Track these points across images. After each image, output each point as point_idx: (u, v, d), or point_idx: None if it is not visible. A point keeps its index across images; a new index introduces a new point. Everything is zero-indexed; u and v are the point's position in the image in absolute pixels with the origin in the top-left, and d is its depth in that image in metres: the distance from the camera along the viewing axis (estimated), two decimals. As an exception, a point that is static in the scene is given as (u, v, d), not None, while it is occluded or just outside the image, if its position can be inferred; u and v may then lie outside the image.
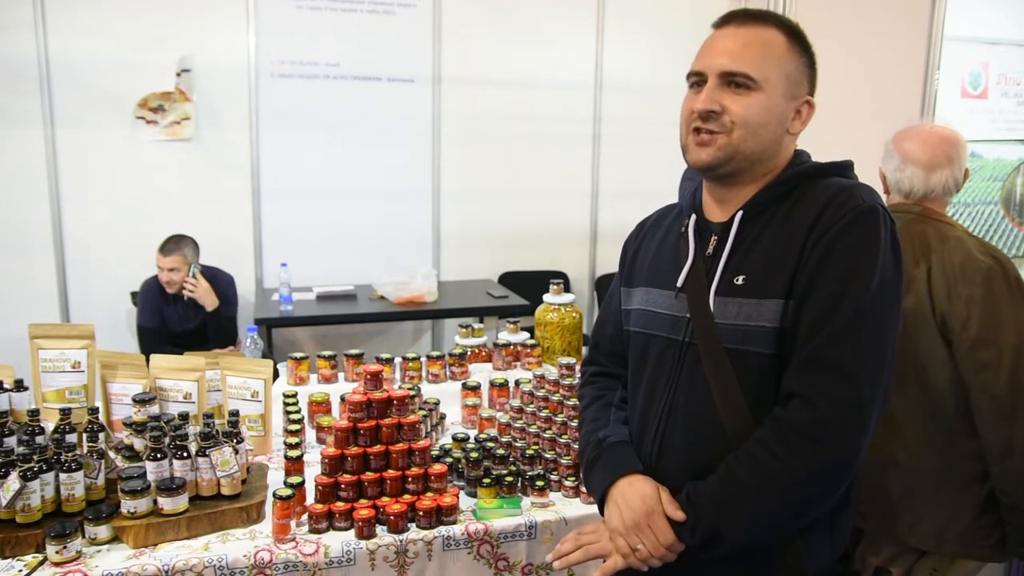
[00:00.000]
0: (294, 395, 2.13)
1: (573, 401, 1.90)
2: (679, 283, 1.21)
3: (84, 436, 1.62)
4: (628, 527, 1.16)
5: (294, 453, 1.77)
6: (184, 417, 1.69)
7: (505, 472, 1.78)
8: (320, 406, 2.10)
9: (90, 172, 3.97)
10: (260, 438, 1.96)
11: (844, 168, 1.19)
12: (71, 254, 4.01)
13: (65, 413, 1.67)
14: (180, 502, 1.54)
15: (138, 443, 1.64)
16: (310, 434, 2.08)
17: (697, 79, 1.18)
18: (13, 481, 1.46)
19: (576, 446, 1.82)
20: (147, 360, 1.87)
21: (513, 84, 4.54)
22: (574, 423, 1.86)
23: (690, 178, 1.31)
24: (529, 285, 4.27)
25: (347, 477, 1.64)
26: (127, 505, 1.50)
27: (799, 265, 1.09)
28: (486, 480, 1.74)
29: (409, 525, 1.62)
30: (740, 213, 1.17)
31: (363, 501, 1.63)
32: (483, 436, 1.97)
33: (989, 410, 1.61)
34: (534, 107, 4.59)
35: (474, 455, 1.80)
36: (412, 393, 1.81)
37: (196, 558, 1.47)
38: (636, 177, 4.74)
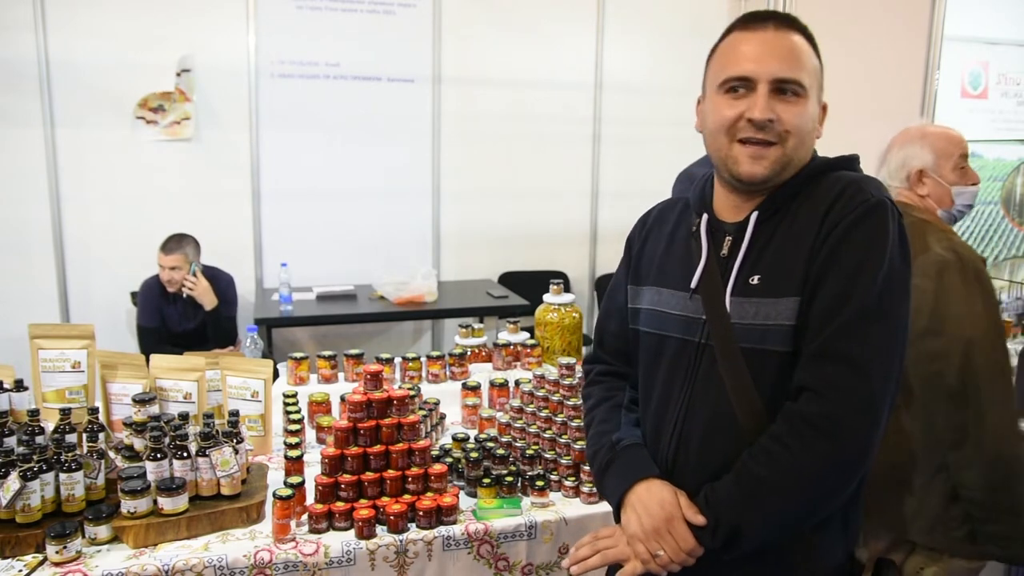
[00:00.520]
0: (294, 395, 2.13)
1: (573, 401, 1.90)
2: (693, 284, 1.20)
3: (84, 436, 1.62)
4: (648, 533, 1.15)
5: (294, 453, 1.77)
6: (184, 417, 1.69)
7: (505, 472, 1.78)
8: (320, 406, 2.10)
9: (90, 172, 3.97)
10: (260, 438, 1.96)
11: (851, 161, 1.19)
12: (71, 254, 4.01)
13: (65, 413, 1.67)
14: (180, 502, 1.54)
15: (138, 443, 1.64)
16: (310, 434, 2.08)
17: (739, 84, 1.12)
18: (13, 481, 1.46)
19: (576, 446, 1.82)
20: (147, 360, 1.87)
21: (513, 84, 4.54)
22: (574, 423, 1.86)
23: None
24: (529, 285, 4.27)
25: (347, 477, 1.64)
26: (127, 505, 1.50)
27: (810, 260, 1.09)
28: (486, 480, 1.74)
29: (409, 525, 1.62)
30: (756, 214, 1.16)
31: (363, 501, 1.63)
32: (483, 436, 1.97)
33: (940, 399, 1.60)
34: (534, 107, 4.59)
35: (474, 455, 1.80)
36: (412, 393, 1.81)
37: (196, 558, 1.47)
38: (636, 177, 4.74)
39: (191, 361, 1.89)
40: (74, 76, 3.88)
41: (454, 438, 1.91)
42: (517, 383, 2.20)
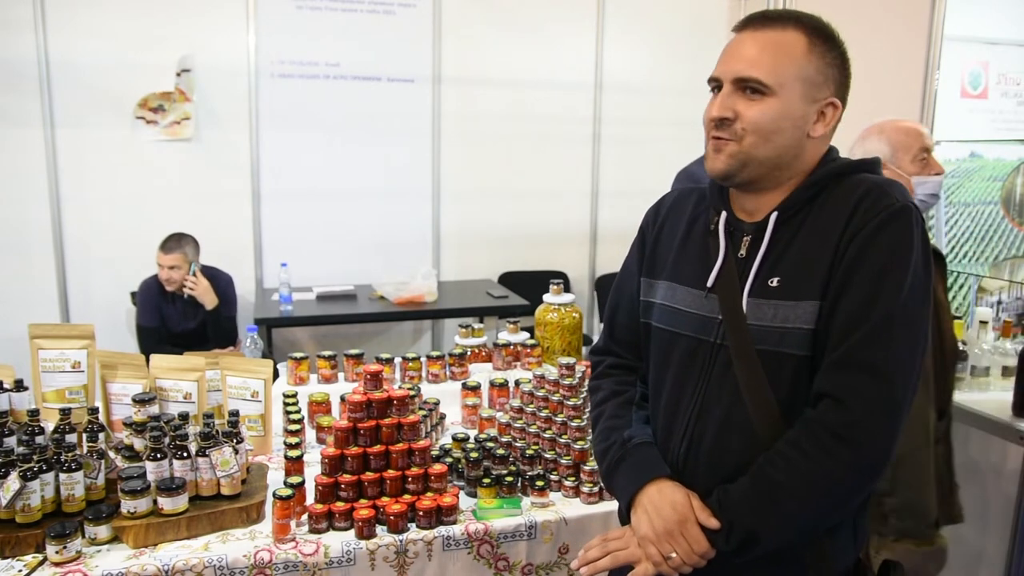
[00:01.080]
0: (294, 395, 2.13)
1: (573, 401, 1.90)
2: (709, 283, 1.18)
3: (84, 436, 1.62)
4: (660, 535, 1.14)
5: (294, 453, 1.77)
6: (184, 417, 1.69)
7: (505, 472, 1.78)
8: (320, 406, 2.10)
9: (90, 172, 3.97)
10: (260, 438, 1.96)
11: (872, 165, 1.18)
12: (71, 254, 4.01)
13: (65, 413, 1.67)
14: (180, 502, 1.54)
15: (138, 443, 1.64)
16: (310, 434, 2.08)
17: (715, 85, 1.16)
18: (13, 481, 1.46)
19: (576, 446, 1.82)
20: (147, 360, 1.87)
21: (513, 84, 4.54)
22: (574, 423, 1.86)
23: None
24: (529, 285, 4.27)
25: (347, 477, 1.64)
26: (127, 505, 1.50)
27: (833, 265, 1.08)
28: (486, 480, 1.74)
29: (409, 525, 1.62)
30: (775, 214, 1.15)
31: (363, 501, 1.63)
32: (483, 436, 1.97)
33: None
34: (534, 107, 4.59)
35: (474, 455, 1.80)
36: (412, 393, 1.81)
37: (196, 558, 1.47)
38: (636, 177, 4.74)
39: (191, 361, 1.89)
40: (74, 76, 3.88)
41: (454, 438, 1.90)
42: (517, 383, 2.20)
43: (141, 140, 4.01)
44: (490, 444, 1.88)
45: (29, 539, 1.47)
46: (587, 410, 1.94)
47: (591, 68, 4.69)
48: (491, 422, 2.06)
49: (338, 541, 1.56)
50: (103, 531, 1.50)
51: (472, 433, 2.03)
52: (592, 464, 1.79)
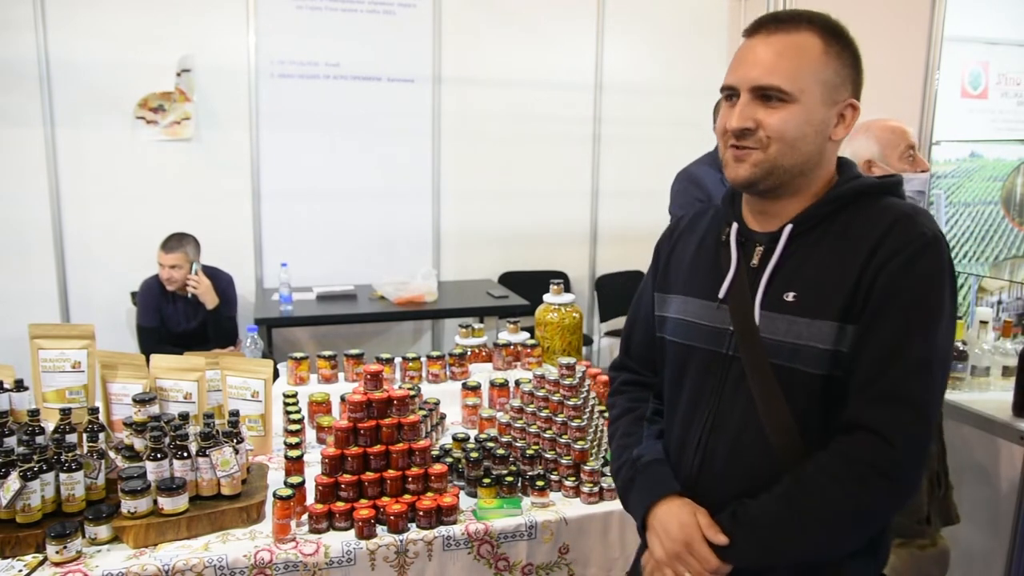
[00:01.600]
0: (294, 395, 2.13)
1: (573, 401, 1.90)
2: (721, 294, 1.17)
3: (84, 436, 1.62)
4: (670, 556, 1.14)
5: (294, 453, 1.77)
6: (184, 417, 1.69)
7: (505, 472, 1.78)
8: (320, 406, 2.10)
9: (90, 172, 3.97)
10: (260, 438, 1.96)
11: (896, 186, 1.16)
12: (71, 254, 4.01)
13: (65, 413, 1.67)
14: (180, 502, 1.54)
15: (138, 443, 1.64)
16: (310, 434, 2.08)
17: (730, 93, 1.13)
18: (13, 481, 1.46)
19: (576, 446, 1.82)
20: (147, 360, 1.87)
21: (513, 84, 4.54)
22: (575, 423, 1.86)
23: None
24: (529, 285, 4.27)
25: (347, 477, 1.64)
26: (127, 505, 1.50)
27: (857, 289, 1.05)
28: (486, 480, 1.74)
29: (409, 525, 1.62)
30: (790, 227, 1.12)
31: (363, 501, 1.63)
32: (483, 436, 1.97)
33: None
34: (534, 107, 4.59)
35: (474, 455, 1.80)
36: (412, 393, 1.81)
37: (196, 558, 1.47)
38: (636, 177, 4.74)
39: (191, 361, 1.89)
40: (74, 76, 3.88)
41: (454, 438, 1.90)
42: (517, 383, 2.20)
43: (141, 140, 4.01)
44: (490, 444, 1.88)
45: (29, 539, 1.47)
46: (587, 410, 1.95)
47: (591, 68, 4.69)
48: (491, 422, 2.06)
49: (338, 541, 1.56)
50: (103, 531, 1.50)
51: (472, 433, 2.03)
52: (592, 464, 1.79)
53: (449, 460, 1.82)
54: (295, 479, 1.65)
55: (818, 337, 1.07)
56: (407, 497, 1.65)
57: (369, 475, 1.65)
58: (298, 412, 2.04)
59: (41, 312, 3.90)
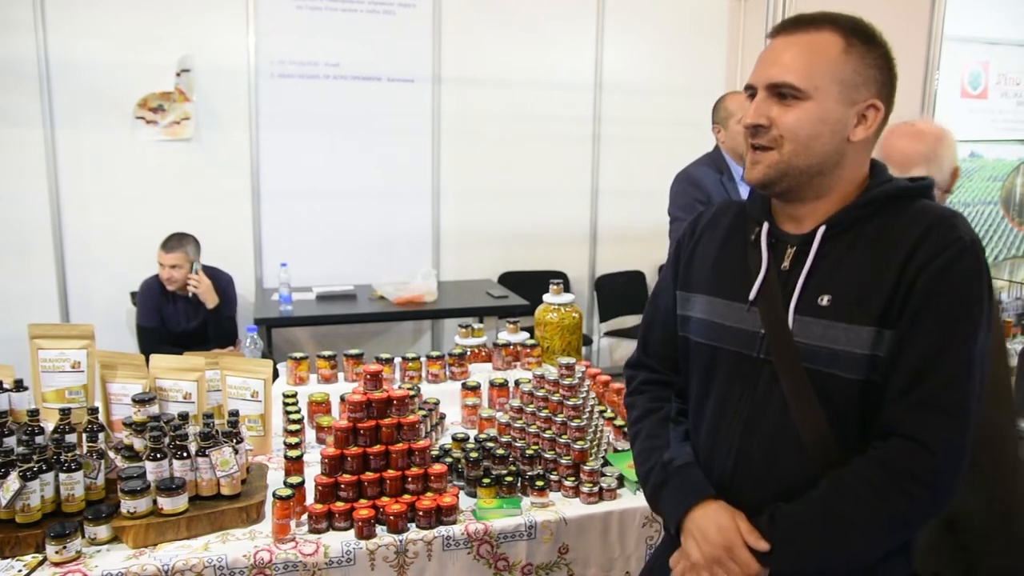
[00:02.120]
0: (294, 395, 2.13)
1: (573, 401, 1.90)
2: (751, 296, 1.16)
3: (84, 436, 1.62)
4: (708, 560, 1.13)
5: (294, 453, 1.77)
6: (184, 417, 1.69)
7: (505, 472, 1.78)
8: (320, 406, 2.10)
9: (90, 172, 3.97)
10: (260, 438, 1.96)
11: (928, 189, 1.15)
12: (71, 254, 4.01)
13: (65, 413, 1.67)
14: (180, 502, 1.54)
15: (138, 443, 1.64)
16: (310, 434, 2.08)
17: (751, 91, 1.14)
18: (13, 481, 1.46)
19: (576, 446, 1.82)
20: (147, 360, 1.87)
21: (513, 84, 4.54)
22: (574, 423, 1.86)
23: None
24: (529, 285, 4.27)
25: (347, 477, 1.64)
26: (127, 505, 1.50)
27: (895, 293, 1.04)
28: (486, 480, 1.74)
29: (409, 525, 1.62)
30: (823, 228, 1.11)
31: (363, 501, 1.63)
32: (483, 436, 1.97)
33: None
34: (534, 107, 4.59)
35: (474, 455, 1.80)
36: (412, 393, 1.81)
37: (196, 558, 1.47)
38: (636, 177, 4.74)
39: (191, 361, 1.89)
40: (74, 76, 3.88)
41: (454, 438, 1.90)
42: (517, 383, 2.20)
43: (141, 140, 4.01)
44: (490, 444, 1.87)
45: (29, 539, 1.47)
46: (586, 410, 1.95)
47: (591, 68, 4.69)
48: (491, 422, 2.06)
49: (338, 541, 1.56)
50: (103, 531, 1.50)
51: (472, 433, 2.03)
52: (591, 464, 1.79)
53: (449, 460, 1.82)
54: (295, 479, 1.65)
55: (856, 342, 1.06)
56: (407, 497, 1.65)
57: (369, 475, 1.65)
58: (298, 412, 2.04)
59: (41, 312, 3.90)
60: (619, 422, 2.05)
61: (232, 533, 1.57)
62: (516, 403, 2.02)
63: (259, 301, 4.04)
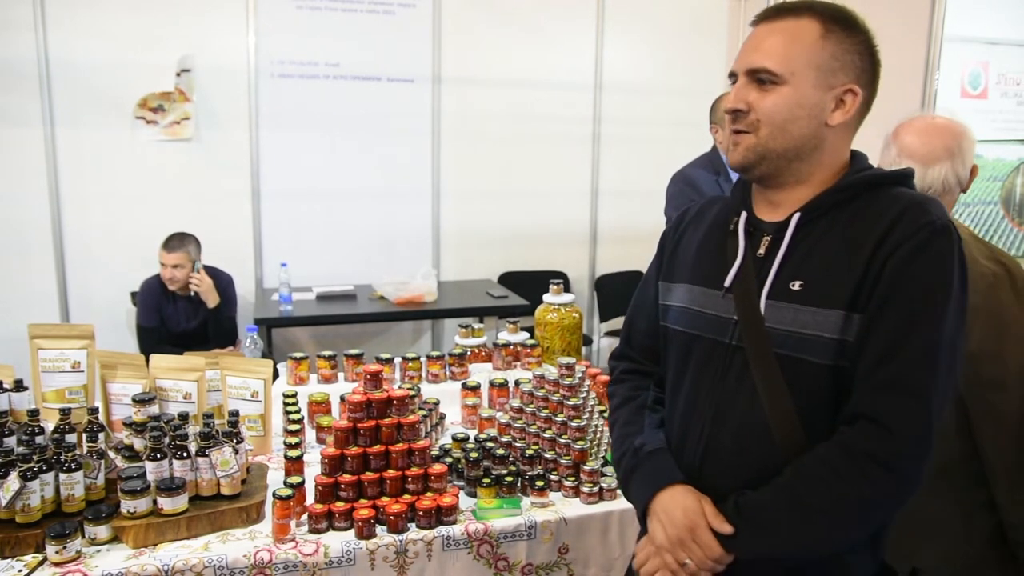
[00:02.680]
0: (294, 395, 2.13)
1: (573, 401, 1.90)
2: (727, 283, 1.17)
3: (84, 436, 1.62)
4: (673, 542, 1.14)
5: (294, 453, 1.77)
6: (184, 417, 1.69)
7: (505, 472, 1.78)
8: (320, 406, 2.10)
9: (90, 172, 3.97)
10: (260, 438, 1.96)
11: (907, 177, 1.15)
12: (71, 254, 4.01)
13: (65, 413, 1.67)
14: (180, 502, 1.54)
15: (138, 443, 1.64)
16: (310, 434, 2.08)
17: (733, 78, 1.16)
18: (13, 481, 1.46)
19: (576, 446, 1.82)
20: (147, 360, 1.87)
21: (513, 84, 4.54)
22: (574, 423, 1.86)
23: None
24: (529, 285, 4.27)
25: (347, 477, 1.64)
26: (127, 505, 1.50)
27: (865, 277, 1.05)
28: (486, 480, 1.74)
29: (409, 525, 1.62)
30: (797, 215, 1.12)
31: (363, 501, 1.63)
32: (483, 436, 1.97)
33: (994, 433, 1.44)
34: (534, 107, 4.59)
35: (474, 455, 1.80)
36: (412, 393, 1.81)
37: (196, 558, 1.47)
38: (636, 177, 4.74)
39: (191, 361, 1.89)
40: (74, 76, 3.88)
41: (454, 438, 1.90)
42: (517, 383, 2.20)
43: (141, 140, 4.01)
44: (490, 444, 1.88)
45: (29, 539, 1.47)
46: (586, 410, 1.95)
47: (591, 68, 4.69)
48: (491, 422, 2.06)
49: (338, 541, 1.56)
50: (103, 531, 1.50)
51: (472, 433, 2.03)
52: (591, 464, 1.79)
53: (449, 460, 1.82)
54: (295, 479, 1.65)
55: (824, 326, 1.07)
56: (407, 497, 1.65)
57: (369, 475, 1.65)
58: (298, 412, 2.04)
59: (41, 312, 3.90)
60: (619, 422, 2.05)
61: (232, 533, 1.57)
62: (516, 403, 2.02)
63: (259, 301, 4.04)
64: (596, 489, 1.76)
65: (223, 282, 3.77)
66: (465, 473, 1.80)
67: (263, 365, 1.95)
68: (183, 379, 1.85)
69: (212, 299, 3.64)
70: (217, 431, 1.66)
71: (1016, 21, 4.92)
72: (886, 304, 1.04)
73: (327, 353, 2.29)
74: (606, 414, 2.11)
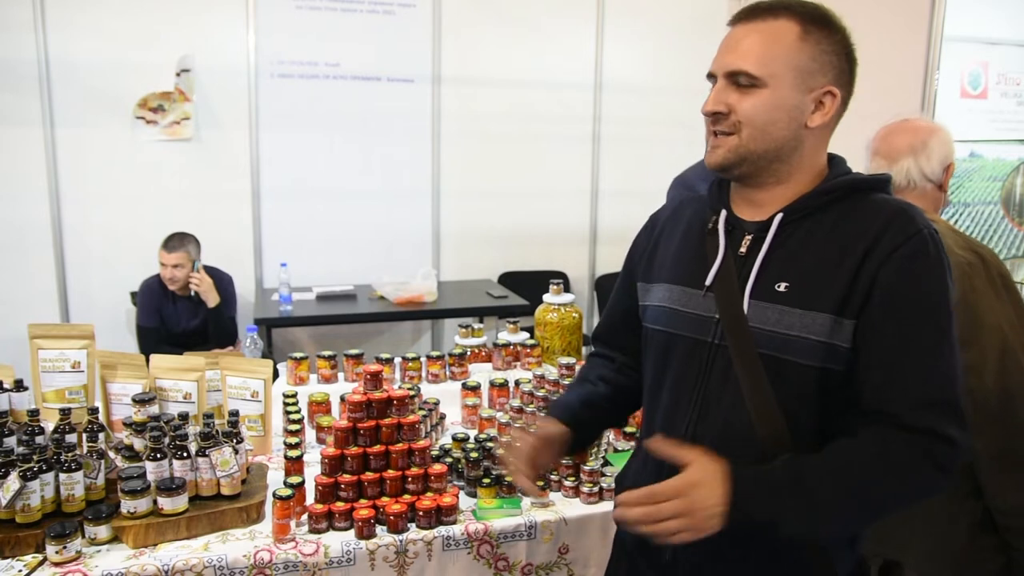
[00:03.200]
0: (294, 395, 2.13)
1: (573, 401, 1.90)
2: (708, 281, 1.17)
3: (84, 436, 1.62)
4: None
5: (294, 453, 1.77)
6: (184, 417, 1.69)
7: (505, 472, 1.78)
8: (320, 406, 2.10)
9: (90, 172, 3.97)
10: (260, 438, 1.96)
11: (885, 183, 1.16)
12: (71, 254, 4.01)
13: (65, 413, 1.67)
14: (180, 502, 1.54)
15: (138, 443, 1.64)
16: (310, 434, 2.08)
17: (712, 80, 1.16)
18: (13, 481, 1.46)
19: (576, 446, 1.82)
20: (147, 360, 1.87)
21: (513, 84, 4.54)
22: (574, 423, 1.86)
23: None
24: (529, 285, 4.27)
25: (347, 477, 1.64)
26: (127, 505, 1.50)
27: (855, 283, 1.06)
28: (486, 480, 1.74)
29: (409, 525, 1.62)
30: (780, 215, 1.13)
31: (363, 501, 1.63)
32: (483, 436, 1.97)
33: (975, 419, 1.46)
34: (534, 107, 4.59)
35: (474, 455, 1.80)
36: (412, 393, 1.81)
37: (196, 558, 1.47)
38: (636, 177, 4.74)
39: (191, 361, 1.89)
40: (74, 76, 3.87)
41: (454, 438, 1.90)
42: (517, 383, 2.20)
43: (141, 140, 4.01)
44: (490, 444, 1.87)
45: (29, 539, 1.47)
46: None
47: (591, 68, 4.69)
48: (491, 422, 2.06)
49: (338, 541, 1.56)
50: (103, 531, 1.50)
51: (472, 433, 2.03)
52: (591, 464, 1.79)
53: (449, 460, 1.82)
54: (295, 479, 1.65)
55: (811, 328, 1.07)
56: (407, 497, 1.65)
57: (369, 475, 1.65)
58: (298, 412, 2.04)
59: (41, 312, 3.90)
60: (619, 422, 2.05)
61: (232, 533, 1.57)
62: (516, 403, 2.02)
63: (259, 301, 4.04)
64: (596, 489, 1.76)
65: (223, 282, 3.77)
66: (465, 473, 1.80)
67: (263, 365, 1.95)
68: (183, 379, 1.85)
69: (212, 299, 3.65)
70: (217, 431, 1.66)
71: (1016, 21, 4.92)
72: (890, 310, 1.04)
73: (327, 353, 2.29)
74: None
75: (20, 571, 1.42)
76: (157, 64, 3.96)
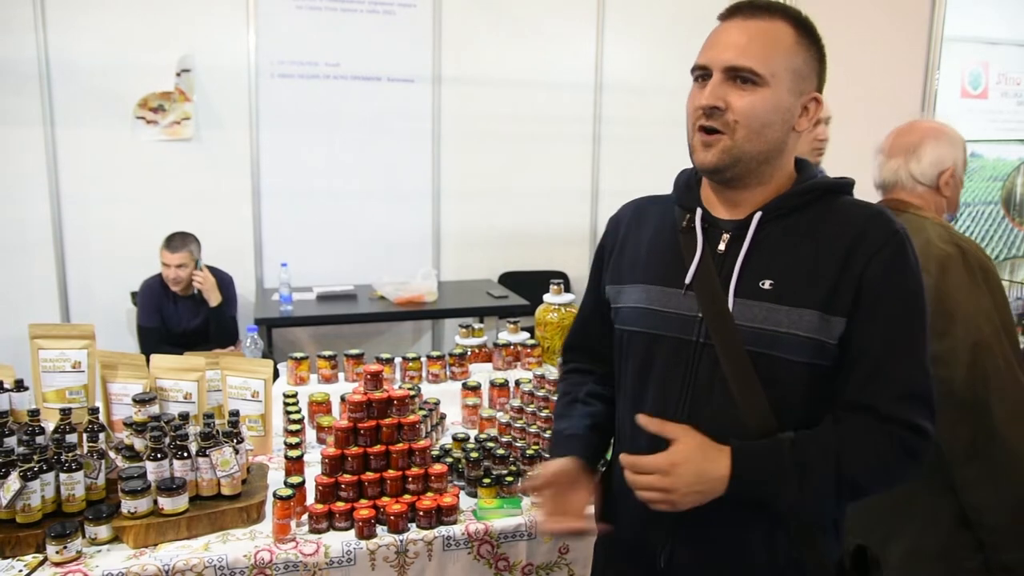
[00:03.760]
0: (294, 395, 2.13)
1: (573, 401, 1.90)
2: (688, 280, 1.17)
3: (84, 436, 1.62)
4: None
5: (294, 453, 1.77)
6: (184, 417, 1.69)
7: (505, 472, 1.78)
8: (320, 406, 2.10)
9: (90, 172, 3.97)
10: (260, 438, 1.96)
11: (850, 186, 1.19)
12: (71, 254, 4.01)
13: (65, 413, 1.67)
14: (180, 502, 1.54)
15: (138, 443, 1.64)
16: (310, 434, 2.08)
17: (701, 73, 1.14)
18: (13, 481, 1.46)
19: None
20: (147, 360, 1.87)
21: (513, 84, 4.54)
22: (574, 423, 1.86)
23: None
24: (529, 285, 4.27)
25: (347, 477, 1.64)
26: (127, 505, 1.50)
27: (840, 280, 1.08)
28: (486, 480, 1.74)
29: (409, 525, 1.62)
30: (759, 214, 1.14)
31: (363, 501, 1.63)
32: (483, 436, 1.97)
33: (944, 409, 1.50)
34: (534, 107, 4.59)
35: (474, 455, 1.80)
36: (412, 393, 1.81)
37: (196, 558, 1.47)
38: (636, 177, 4.71)
39: (191, 361, 1.89)
40: (74, 76, 3.87)
41: (454, 438, 1.91)
42: (517, 383, 2.20)
43: (141, 140, 4.01)
44: (490, 444, 1.88)
45: (29, 539, 1.47)
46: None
47: (591, 68, 4.69)
48: (491, 422, 2.06)
49: (338, 541, 1.56)
50: (103, 531, 1.50)
51: (472, 433, 2.03)
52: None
53: (449, 460, 1.82)
54: (295, 479, 1.65)
55: (799, 324, 1.08)
56: (407, 497, 1.65)
57: (369, 475, 1.65)
58: (298, 412, 2.04)
59: (41, 312, 3.90)
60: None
61: (232, 533, 1.57)
62: (517, 403, 2.02)
63: (259, 301, 4.04)
64: (596, 489, 1.75)
65: (223, 282, 3.77)
66: (465, 473, 1.80)
67: (263, 365, 1.95)
68: (183, 379, 1.85)
69: (214, 297, 3.65)
70: (217, 431, 1.66)
71: (1016, 21, 4.92)
72: (876, 307, 1.08)
73: (327, 353, 2.29)
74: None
75: (20, 571, 1.42)
76: (157, 64, 3.96)
